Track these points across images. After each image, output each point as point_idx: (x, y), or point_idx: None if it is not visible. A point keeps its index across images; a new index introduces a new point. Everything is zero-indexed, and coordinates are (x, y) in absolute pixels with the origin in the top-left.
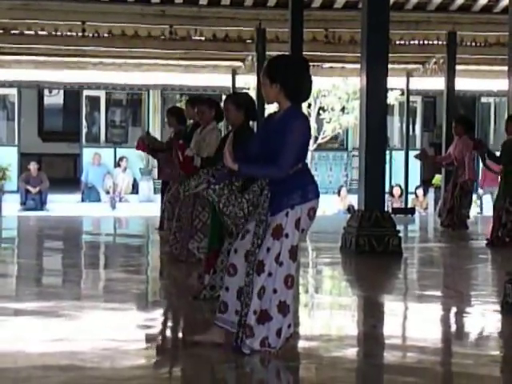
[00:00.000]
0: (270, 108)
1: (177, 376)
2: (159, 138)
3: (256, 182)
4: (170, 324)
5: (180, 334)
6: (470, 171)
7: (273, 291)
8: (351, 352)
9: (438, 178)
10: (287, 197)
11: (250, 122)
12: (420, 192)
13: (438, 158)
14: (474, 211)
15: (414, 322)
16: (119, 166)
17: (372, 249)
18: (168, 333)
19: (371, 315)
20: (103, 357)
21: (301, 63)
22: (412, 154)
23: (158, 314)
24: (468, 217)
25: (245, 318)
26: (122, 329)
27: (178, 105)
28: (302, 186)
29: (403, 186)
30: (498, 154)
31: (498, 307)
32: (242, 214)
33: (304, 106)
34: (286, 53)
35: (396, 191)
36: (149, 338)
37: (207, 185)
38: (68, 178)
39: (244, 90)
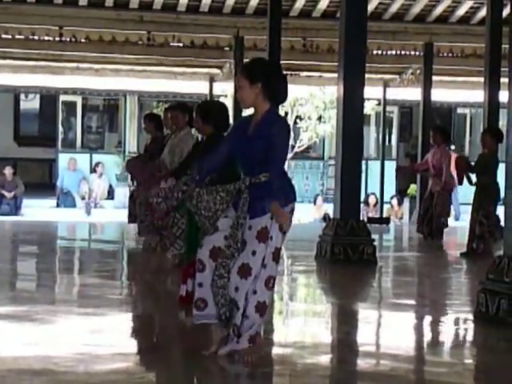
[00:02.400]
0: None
1: (150, 380)
2: (135, 144)
3: (232, 184)
4: (144, 329)
5: (154, 339)
6: (447, 180)
7: (253, 292)
8: (325, 359)
9: (413, 188)
10: (271, 199)
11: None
12: (395, 202)
13: (414, 165)
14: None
15: (387, 330)
16: (95, 171)
17: (347, 257)
18: (142, 338)
19: (345, 323)
20: (77, 361)
21: (278, 65)
22: (388, 164)
23: (132, 319)
24: (446, 225)
25: (233, 319)
26: (97, 333)
27: (155, 111)
28: (284, 188)
29: (378, 196)
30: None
31: (471, 316)
32: (214, 210)
33: (281, 114)
34: None
35: (371, 200)
36: (123, 343)
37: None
38: (43, 183)
39: (221, 98)
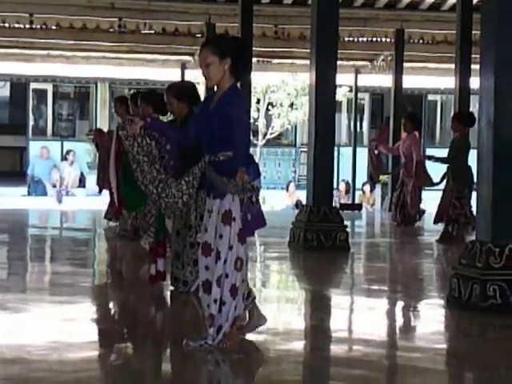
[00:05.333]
0: None
1: (123, 368)
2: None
3: (196, 164)
4: (116, 317)
5: (127, 327)
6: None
7: (225, 276)
8: (298, 345)
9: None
10: (230, 179)
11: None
12: (367, 188)
13: (384, 146)
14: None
15: (360, 316)
16: (66, 159)
17: (320, 244)
18: (115, 325)
19: (319, 309)
20: (50, 349)
21: (243, 40)
22: (359, 150)
23: (105, 307)
24: (419, 213)
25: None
26: (69, 321)
27: None
28: (245, 167)
29: (351, 182)
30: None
31: (443, 302)
32: (180, 195)
33: (253, 101)
34: None
35: (341, 187)
36: (96, 331)
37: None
38: (14, 171)
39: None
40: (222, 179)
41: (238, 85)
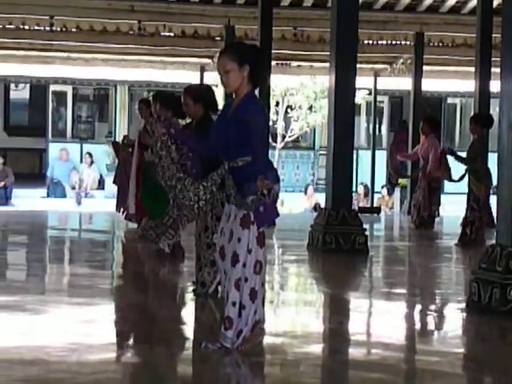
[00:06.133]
0: None
1: (142, 370)
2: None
3: (216, 171)
4: (135, 319)
5: (146, 329)
6: (434, 169)
7: (244, 280)
8: (317, 348)
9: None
10: (248, 184)
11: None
12: (385, 191)
13: (402, 155)
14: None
15: (379, 320)
16: (85, 161)
17: (339, 246)
18: (133, 327)
19: (337, 312)
20: (70, 351)
21: (261, 48)
22: (378, 153)
23: (123, 309)
24: (437, 214)
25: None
26: (88, 323)
27: None
28: (262, 172)
29: (369, 186)
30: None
31: (462, 305)
32: (196, 200)
33: (272, 104)
34: None
35: (360, 190)
36: (115, 333)
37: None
38: (33, 173)
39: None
40: (240, 198)
41: (256, 92)
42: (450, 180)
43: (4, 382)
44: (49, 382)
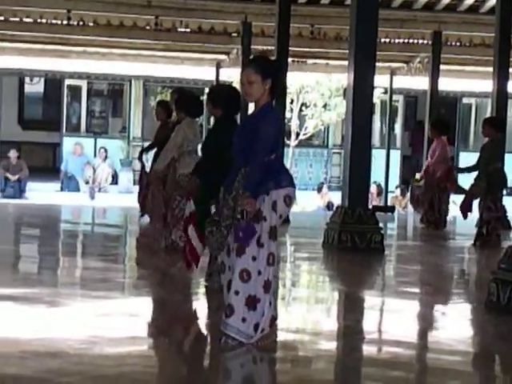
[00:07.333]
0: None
1: (164, 363)
2: (140, 130)
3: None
4: (152, 312)
5: (165, 322)
6: (440, 168)
7: (258, 273)
8: (331, 345)
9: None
10: (262, 185)
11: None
12: (398, 191)
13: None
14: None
15: (393, 318)
16: (100, 156)
17: (354, 245)
18: (152, 321)
19: (351, 310)
20: (90, 343)
21: (280, 61)
22: (392, 153)
23: (140, 303)
24: (447, 214)
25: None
26: (105, 316)
27: (159, 97)
28: (276, 174)
29: (383, 185)
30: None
31: (477, 304)
32: (222, 239)
33: (287, 101)
34: (271, 47)
35: (373, 189)
36: (134, 326)
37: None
38: (47, 166)
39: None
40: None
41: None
42: (457, 192)
43: (28, 373)
44: (73, 375)
